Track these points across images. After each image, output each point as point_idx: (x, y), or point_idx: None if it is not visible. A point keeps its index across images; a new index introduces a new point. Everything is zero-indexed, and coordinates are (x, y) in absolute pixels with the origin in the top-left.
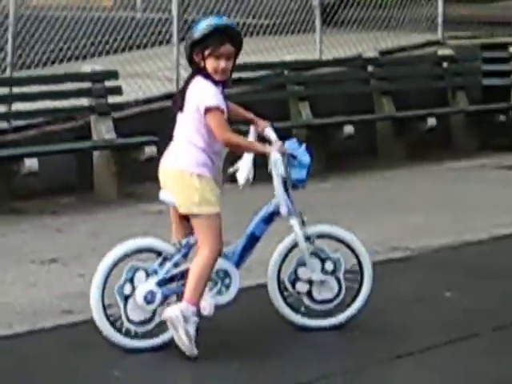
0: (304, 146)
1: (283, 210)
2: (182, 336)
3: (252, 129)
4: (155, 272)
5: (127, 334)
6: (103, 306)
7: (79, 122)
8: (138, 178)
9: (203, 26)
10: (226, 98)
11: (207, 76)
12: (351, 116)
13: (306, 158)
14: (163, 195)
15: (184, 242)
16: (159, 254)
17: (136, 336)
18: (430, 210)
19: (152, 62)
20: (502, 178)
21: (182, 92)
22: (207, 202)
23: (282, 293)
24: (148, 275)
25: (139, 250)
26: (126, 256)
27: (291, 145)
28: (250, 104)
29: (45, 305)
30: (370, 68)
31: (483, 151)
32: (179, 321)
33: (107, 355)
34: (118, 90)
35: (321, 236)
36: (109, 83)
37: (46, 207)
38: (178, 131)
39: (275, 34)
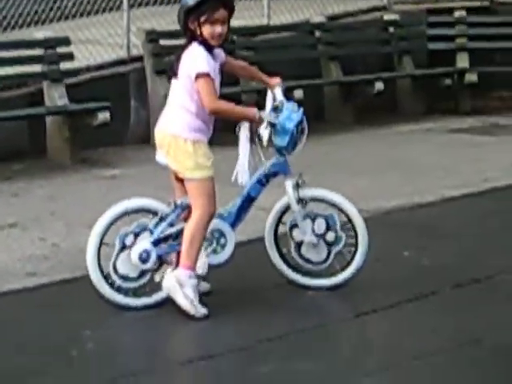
0: (295, 113)
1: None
2: (182, 301)
3: (268, 91)
4: (151, 231)
5: (119, 290)
6: (99, 262)
7: (32, 88)
8: (91, 143)
9: None
10: (226, 60)
11: (203, 42)
12: (300, 81)
13: (288, 125)
14: (158, 157)
15: (179, 202)
16: (155, 213)
17: (128, 294)
18: (379, 173)
19: (103, 29)
20: (448, 141)
21: (178, 58)
22: (200, 166)
23: (280, 251)
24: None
25: (136, 210)
26: (124, 215)
27: (288, 107)
28: None
29: (8, 268)
30: (317, 33)
31: (429, 115)
32: (176, 289)
33: (76, 316)
34: (69, 57)
35: (314, 199)
36: (60, 49)
37: (0, 173)
38: (172, 96)
39: None
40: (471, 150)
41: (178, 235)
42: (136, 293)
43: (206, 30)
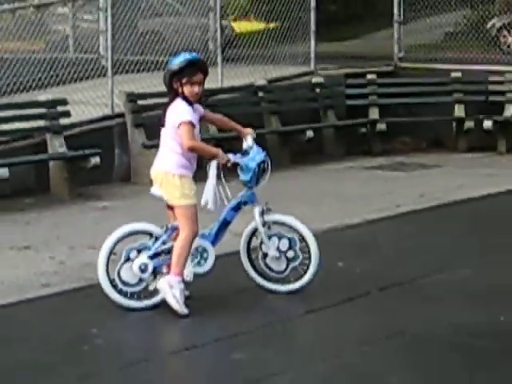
0: (259, 155)
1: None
2: (171, 300)
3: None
4: (148, 248)
5: (125, 295)
6: (107, 273)
7: (37, 139)
8: (86, 182)
9: (180, 60)
10: (205, 113)
11: (184, 98)
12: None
13: (251, 164)
14: (154, 190)
15: (170, 225)
16: (151, 235)
17: (131, 297)
18: (315, 202)
19: (92, 92)
20: (365, 176)
21: (164, 112)
22: (185, 196)
23: (252, 264)
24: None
25: (136, 232)
26: (128, 235)
27: (254, 151)
28: None
29: (26, 281)
30: (260, 93)
31: (349, 156)
32: (167, 289)
33: (84, 317)
34: (67, 114)
35: (276, 223)
36: (59, 108)
37: (14, 206)
38: (163, 142)
39: None
40: (384, 182)
41: (170, 251)
42: (138, 297)
43: (187, 89)
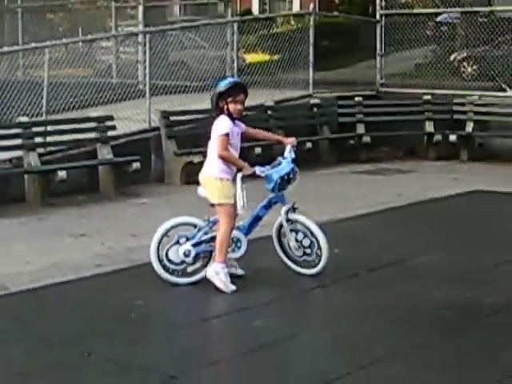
0: (286, 168)
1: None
2: (219, 284)
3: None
4: (192, 237)
5: (167, 270)
6: (158, 256)
7: (89, 148)
8: (128, 182)
9: (226, 82)
10: (245, 129)
11: (228, 115)
12: (260, 142)
13: (274, 176)
14: (199, 191)
15: (211, 219)
16: (195, 226)
17: (173, 273)
18: (316, 200)
19: (133, 109)
20: (354, 179)
21: (211, 126)
22: (224, 196)
23: (284, 251)
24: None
25: (182, 224)
26: (173, 227)
27: (282, 163)
28: (197, 135)
29: (82, 262)
30: (269, 112)
31: (340, 163)
32: (214, 276)
33: (131, 292)
34: (113, 127)
35: (296, 221)
36: (107, 123)
37: (71, 202)
38: (209, 150)
39: (210, 91)
40: (369, 184)
41: (210, 240)
42: (178, 274)
43: (231, 107)
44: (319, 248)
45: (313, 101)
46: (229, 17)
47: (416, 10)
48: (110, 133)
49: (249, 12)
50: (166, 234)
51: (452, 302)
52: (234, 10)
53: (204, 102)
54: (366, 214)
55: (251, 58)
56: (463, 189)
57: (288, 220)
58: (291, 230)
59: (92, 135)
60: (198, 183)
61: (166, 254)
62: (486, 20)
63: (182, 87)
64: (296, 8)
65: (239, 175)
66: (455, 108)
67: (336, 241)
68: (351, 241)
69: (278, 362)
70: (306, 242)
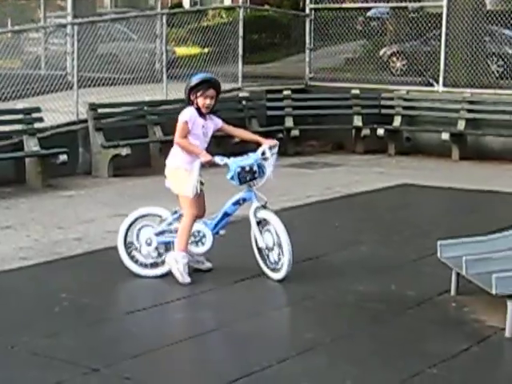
0: (247, 161)
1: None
2: (176, 272)
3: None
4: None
5: (140, 265)
6: (125, 247)
7: (16, 139)
8: (55, 175)
9: (198, 77)
10: (222, 126)
11: (197, 109)
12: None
13: (233, 167)
14: (166, 183)
15: (176, 209)
16: (160, 216)
17: (145, 266)
18: None
19: (61, 101)
20: (282, 172)
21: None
22: (188, 186)
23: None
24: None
25: (148, 214)
26: (142, 216)
27: (248, 157)
28: (125, 128)
29: (7, 255)
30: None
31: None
32: (173, 263)
33: (55, 285)
34: (40, 119)
35: (264, 219)
36: (34, 115)
37: None
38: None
39: (139, 84)
40: (297, 177)
41: (173, 231)
42: (147, 266)
43: (200, 102)
44: (282, 252)
45: (242, 94)
46: (158, 9)
47: (345, 5)
48: (37, 125)
49: (179, 5)
50: (132, 224)
51: (375, 295)
52: (164, 3)
53: (133, 95)
54: (292, 207)
55: (182, 50)
56: (390, 182)
57: (258, 220)
58: (260, 230)
59: (19, 127)
60: (125, 175)
61: (140, 250)
62: (415, 15)
63: (110, 79)
64: (228, 1)
65: (197, 162)
66: (383, 102)
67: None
68: (297, 230)
69: (198, 355)
70: (271, 244)
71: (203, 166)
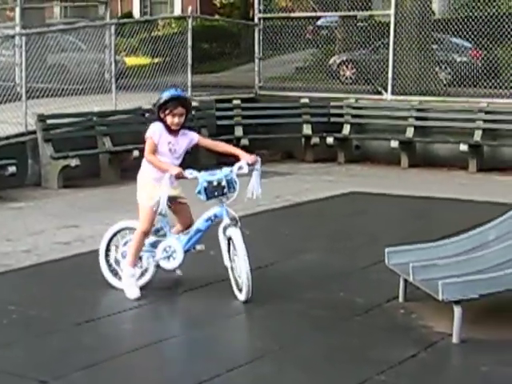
0: (218, 176)
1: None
2: (124, 286)
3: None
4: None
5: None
6: (107, 260)
7: None
8: (4, 186)
9: (166, 94)
10: (199, 141)
11: (165, 125)
12: (137, 145)
13: (201, 180)
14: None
15: (157, 225)
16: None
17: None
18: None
19: (9, 113)
20: None
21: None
22: (143, 197)
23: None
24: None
25: (128, 228)
26: (121, 230)
27: (222, 172)
28: (74, 139)
29: None
30: (147, 115)
31: (218, 166)
32: (123, 275)
33: (3, 297)
34: None
35: (230, 238)
36: None
37: None
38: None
39: (88, 94)
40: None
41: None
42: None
43: (169, 119)
44: (239, 275)
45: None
46: (107, 19)
47: (294, 14)
48: None
49: (129, 15)
50: (112, 238)
51: (324, 302)
52: (114, 13)
53: (82, 105)
54: (243, 216)
55: (132, 61)
56: (339, 190)
57: (228, 238)
58: (228, 249)
59: None
60: (75, 187)
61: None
62: (364, 24)
63: (60, 90)
64: (178, 11)
65: (166, 175)
66: (332, 111)
67: (211, 243)
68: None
69: (150, 364)
70: (232, 264)
71: (177, 178)
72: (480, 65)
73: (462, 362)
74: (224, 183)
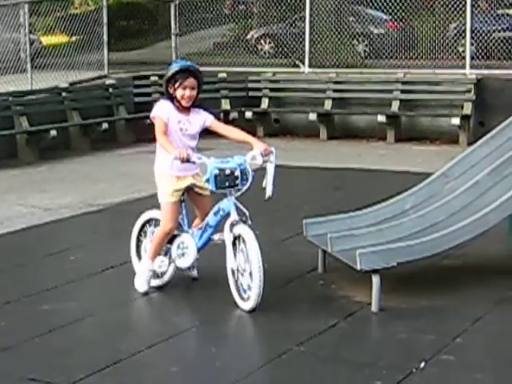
0: (228, 164)
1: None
2: (136, 278)
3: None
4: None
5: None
6: (137, 246)
7: None
8: None
9: (174, 66)
10: (211, 124)
11: (171, 100)
12: (54, 124)
13: (210, 167)
14: None
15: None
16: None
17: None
18: (109, 180)
19: None
20: (151, 158)
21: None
22: (163, 194)
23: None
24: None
25: (152, 219)
26: (149, 220)
27: (230, 160)
28: None
29: None
30: (63, 94)
31: (137, 143)
32: (140, 268)
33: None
34: None
35: (239, 235)
36: None
37: None
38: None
39: (3, 74)
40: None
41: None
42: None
43: (179, 93)
44: (251, 277)
45: (108, 81)
46: None
47: None
48: None
49: None
50: (142, 229)
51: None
52: None
53: None
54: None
55: (48, 40)
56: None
57: (235, 237)
58: (235, 249)
59: None
60: None
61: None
62: None
63: None
64: None
65: (170, 157)
66: (250, 85)
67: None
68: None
69: (66, 345)
70: (242, 266)
71: (182, 162)
72: (396, 36)
73: (380, 330)
74: (238, 173)
